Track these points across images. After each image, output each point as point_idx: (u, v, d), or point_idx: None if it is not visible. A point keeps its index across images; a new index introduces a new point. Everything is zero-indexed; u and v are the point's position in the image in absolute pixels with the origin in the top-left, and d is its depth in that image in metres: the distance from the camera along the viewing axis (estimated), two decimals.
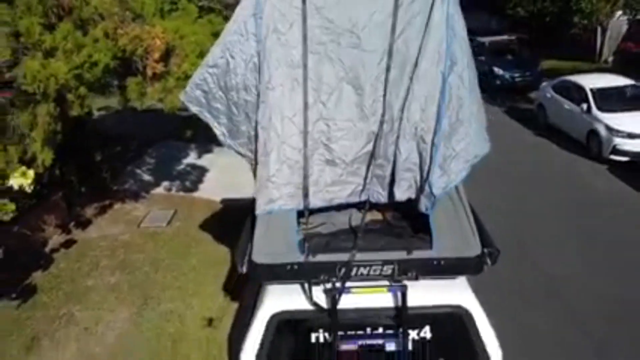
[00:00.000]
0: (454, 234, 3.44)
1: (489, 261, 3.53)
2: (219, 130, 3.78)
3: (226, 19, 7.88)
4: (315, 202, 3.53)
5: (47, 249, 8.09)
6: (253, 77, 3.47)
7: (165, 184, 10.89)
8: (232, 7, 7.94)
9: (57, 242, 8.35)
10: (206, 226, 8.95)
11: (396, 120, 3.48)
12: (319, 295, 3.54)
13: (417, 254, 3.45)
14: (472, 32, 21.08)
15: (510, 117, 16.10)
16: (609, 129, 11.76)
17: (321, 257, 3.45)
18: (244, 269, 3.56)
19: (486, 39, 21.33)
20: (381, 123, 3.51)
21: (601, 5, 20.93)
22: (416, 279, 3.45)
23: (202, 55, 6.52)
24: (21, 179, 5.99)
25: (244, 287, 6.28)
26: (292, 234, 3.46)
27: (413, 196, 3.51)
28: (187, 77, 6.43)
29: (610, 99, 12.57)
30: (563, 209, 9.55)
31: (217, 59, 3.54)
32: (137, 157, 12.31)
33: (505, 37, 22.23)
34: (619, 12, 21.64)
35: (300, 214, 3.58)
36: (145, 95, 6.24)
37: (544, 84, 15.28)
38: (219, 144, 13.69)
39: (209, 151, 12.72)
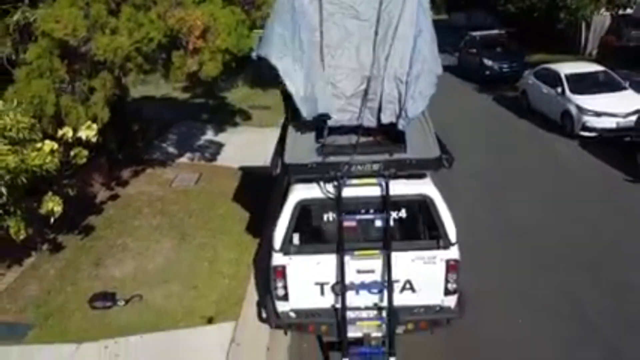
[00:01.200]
0: (421, 143, 5.04)
1: (446, 163, 5.11)
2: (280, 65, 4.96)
3: (245, 11, 9.53)
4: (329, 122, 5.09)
5: (97, 200, 9.66)
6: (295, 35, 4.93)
7: (189, 155, 12.47)
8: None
9: (104, 195, 9.93)
10: (228, 186, 10.53)
11: (382, 67, 5.05)
12: (329, 189, 5.13)
13: (396, 156, 5.05)
14: (468, 28, 23.05)
15: (498, 103, 17.64)
16: (579, 108, 13.30)
17: (332, 159, 5.04)
18: (277, 171, 5.14)
19: (477, 34, 22.95)
20: (371, 70, 5.08)
21: (586, 2, 22.47)
22: (395, 174, 5.03)
23: (231, 33, 8.15)
24: (87, 131, 7.51)
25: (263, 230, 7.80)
26: (312, 144, 5.05)
27: (394, 120, 5.08)
28: (220, 51, 8.06)
29: (582, 83, 14.10)
30: (538, 175, 11.08)
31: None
32: (160, 134, 13.87)
33: (495, 31, 23.82)
34: (603, 9, 23.20)
35: (316, 133, 5.16)
36: (186, 66, 7.78)
37: (526, 72, 16.83)
38: (232, 124, 15.67)
39: (224, 130, 14.37)
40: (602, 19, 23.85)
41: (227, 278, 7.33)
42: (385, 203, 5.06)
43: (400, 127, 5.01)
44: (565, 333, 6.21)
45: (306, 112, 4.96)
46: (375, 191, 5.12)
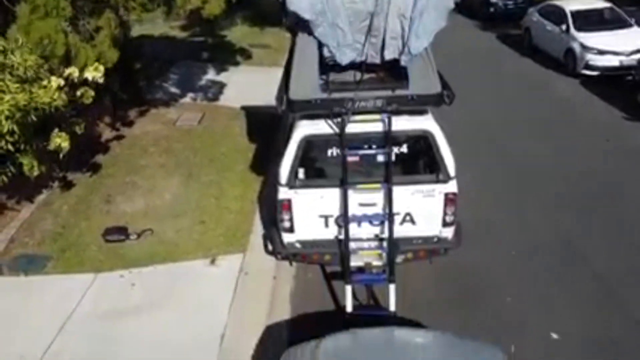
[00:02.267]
0: (423, 79, 5.15)
1: (447, 100, 5.24)
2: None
3: None
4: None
5: (103, 140, 9.82)
6: None
7: (191, 94, 12.50)
8: None
9: (109, 135, 10.09)
10: (230, 125, 10.68)
11: (385, 3, 5.07)
12: (333, 125, 5.29)
13: (398, 92, 5.17)
14: None
15: (501, 42, 17.43)
16: (583, 46, 13.20)
17: (336, 95, 5.17)
18: (283, 107, 5.28)
19: None
20: (375, 6, 5.10)
21: None
22: (397, 109, 5.17)
23: None
24: (94, 72, 7.57)
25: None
26: (316, 80, 5.16)
27: (397, 56, 5.16)
28: None
29: (588, 20, 13.91)
30: (537, 113, 11.15)
31: None
32: (161, 73, 13.81)
33: None
34: None
35: (320, 69, 5.25)
36: (189, 3, 7.73)
37: (530, 9, 16.51)
38: (233, 64, 15.59)
39: (225, 70, 14.27)
40: None
41: (233, 213, 7.61)
42: (388, 138, 5.23)
43: (403, 63, 5.10)
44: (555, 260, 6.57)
45: (342, 59, 5.16)
46: (377, 127, 5.27)
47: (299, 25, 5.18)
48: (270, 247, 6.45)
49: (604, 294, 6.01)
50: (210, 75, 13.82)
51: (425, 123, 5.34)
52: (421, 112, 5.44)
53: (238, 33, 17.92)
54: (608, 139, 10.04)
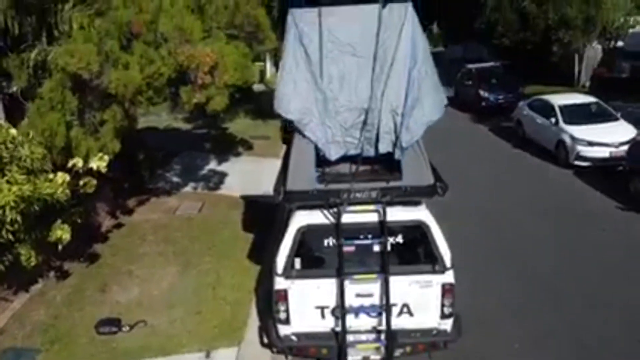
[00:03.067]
0: (416, 171, 5.33)
1: (439, 191, 5.38)
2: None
3: (249, 45, 9.98)
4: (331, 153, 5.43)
5: (102, 229, 9.90)
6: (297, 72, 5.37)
7: (192, 184, 12.78)
8: (253, 35, 9.99)
9: (109, 224, 10.17)
10: (230, 213, 10.80)
11: (378, 100, 5.38)
12: (329, 215, 5.39)
13: (392, 184, 5.33)
14: (465, 60, 23.79)
15: (494, 133, 18.06)
16: (573, 138, 13.66)
17: (332, 186, 5.32)
18: (280, 198, 5.41)
19: (473, 66, 23.59)
20: (369, 103, 5.41)
21: (578, 35, 23.23)
22: (392, 200, 5.30)
23: (237, 70, 8.53)
24: (99, 162, 7.87)
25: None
26: (313, 171, 5.34)
27: (391, 149, 5.38)
28: (227, 86, 8.43)
29: (575, 114, 14.51)
30: (532, 203, 11.32)
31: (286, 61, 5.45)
32: (165, 163, 14.21)
33: (491, 63, 24.46)
34: (595, 42, 23.95)
35: (317, 161, 5.45)
36: (194, 99, 8.14)
37: (521, 103, 17.28)
38: (235, 154, 16.09)
39: (226, 160, 14.73)
40: (594, 51, 24.59)
41: (230, 304, 7.50)
42: (383, 228, 5.31)
43: (396, 156, 5.31)
44: None
45: (331, 154, 5.45)
46: (373, 217, 5.37)
47: (291, 124, 5.48)
48: (265, 340, 6.30)
49: None
50: (212, 165, 14.21)
51: (420, 213, 5.46)
52: (415, 203, 5.57)
53: (240, 125, 18.65)
54: (604, 228, 10.13)
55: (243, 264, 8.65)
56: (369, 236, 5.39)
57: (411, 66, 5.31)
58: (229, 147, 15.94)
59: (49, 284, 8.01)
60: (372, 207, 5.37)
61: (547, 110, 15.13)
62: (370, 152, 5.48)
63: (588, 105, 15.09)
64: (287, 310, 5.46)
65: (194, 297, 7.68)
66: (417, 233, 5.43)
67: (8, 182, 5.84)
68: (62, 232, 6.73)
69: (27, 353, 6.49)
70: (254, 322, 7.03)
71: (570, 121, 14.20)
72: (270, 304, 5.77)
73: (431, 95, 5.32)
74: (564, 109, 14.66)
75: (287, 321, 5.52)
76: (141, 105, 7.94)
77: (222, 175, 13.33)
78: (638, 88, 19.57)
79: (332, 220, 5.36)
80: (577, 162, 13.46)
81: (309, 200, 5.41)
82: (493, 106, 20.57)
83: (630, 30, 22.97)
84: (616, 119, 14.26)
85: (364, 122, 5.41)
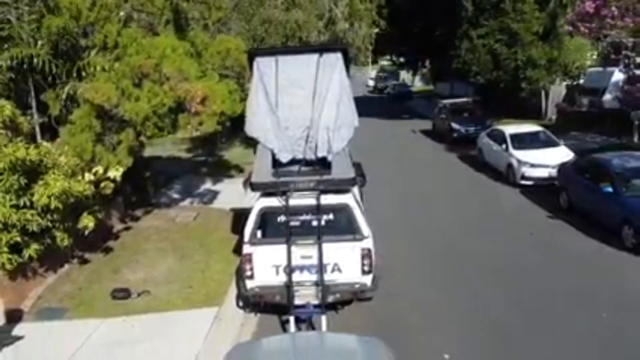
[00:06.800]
0: (341, 168, 7.57)
1: (359, 182, 7.60)
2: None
3: (238, 83, 12.44)
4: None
5: (114, 230, 12.07)
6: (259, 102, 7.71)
7: (189, 199, 14.98)
8: (242, 75, 12.44)
9: (120, 227, 12.34)
10: (220, 221, 12.94)
11: (316, 121, 7.66)
12: (281, 200, 7.60)
13: (325, 177, 7.55)
14: (451, 97, 26.83)
15: (461, 160, 20.28)
16: (519, 161, 15.88)
17: (283, 179, 7.54)
18: (247, 188, 7.64)
19: (447, 101, 26.18)
20: (310, 123, 7.68)
21: (543, 74, 25.74)
22: (325, 189, 7.50)
23: (225, 101, 10.90)
24: (115, 172, 10.20)
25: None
26: (270, 170, 7.59)
27: (325, 154, 7.63)
28: (215, 114, 10.79)
29: (523, 140, 16.80)
30: (481, 214, 13.46)
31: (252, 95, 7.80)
32: (167, 184, 16.45)
33: (463, 99, 26.99)
34: (558, 80, 26.46)
35: (273, 163, 7.71)
36: (189, 124, 10.49)
37: (482, 133, 19.59)
38: (227, 177, 18.85)
39: (220, 181, 16.95)
40: (560, 88, 27.06)
41: (215, 282, 9.59)
42: (319, 209, 7.49)
43: (329, 158, 7.56)
44: None
45: (283, 158, 7.69)
46: (312, 201, 7.56)
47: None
48: (240, 303, 8.39)
49: None
50: (207, 185, 16.46)
51: (346, 198, 7.65)
52: (345, 192, 7.77)
53: (235, 153, 21.00)
54: (532, 232, 12.22)
55: (228, 257, 10.73)
56: (309, 214, 7.57)
57: (338, 97, 7.62)
58: (223, 171, 18.23)
59: (73, 267, 10.13)
60: (311, 193, 7.57)
61: (500, 138, 17.42)
62: (311, 156, 7.74)
63: (535, 133, 17.42)
64: (252, 269, 7.60)
65: (187, 277, 9.78)
66: (343, 212, 7.62)
67: (55, 179, 8.09)
68: (87, 221, 8.95)
69: (58, 312, 8.56)
70: (232, 292, 9.11)
71: (518, 147, 16.43)
72: (240, 266, 7.89)
73: (349, 117, 7.62)
74: (514, 137, 16.93)
75: (252, 277, 7.65)
76: (149, 128, 10.25)
77: (215, 193, 15.54)
78: (595, 121, 21.97)
79: (283, 203, 7.55)
80: (522, 182, 15.61)
81: (267, 189, 7.63)
82: (463, 137, 22.70)
83: (589, 70, 25.48)
84: (557, 145, 16.50)
85: (307, 136, 7.68)
